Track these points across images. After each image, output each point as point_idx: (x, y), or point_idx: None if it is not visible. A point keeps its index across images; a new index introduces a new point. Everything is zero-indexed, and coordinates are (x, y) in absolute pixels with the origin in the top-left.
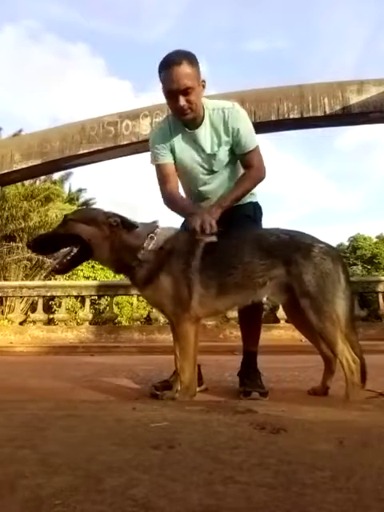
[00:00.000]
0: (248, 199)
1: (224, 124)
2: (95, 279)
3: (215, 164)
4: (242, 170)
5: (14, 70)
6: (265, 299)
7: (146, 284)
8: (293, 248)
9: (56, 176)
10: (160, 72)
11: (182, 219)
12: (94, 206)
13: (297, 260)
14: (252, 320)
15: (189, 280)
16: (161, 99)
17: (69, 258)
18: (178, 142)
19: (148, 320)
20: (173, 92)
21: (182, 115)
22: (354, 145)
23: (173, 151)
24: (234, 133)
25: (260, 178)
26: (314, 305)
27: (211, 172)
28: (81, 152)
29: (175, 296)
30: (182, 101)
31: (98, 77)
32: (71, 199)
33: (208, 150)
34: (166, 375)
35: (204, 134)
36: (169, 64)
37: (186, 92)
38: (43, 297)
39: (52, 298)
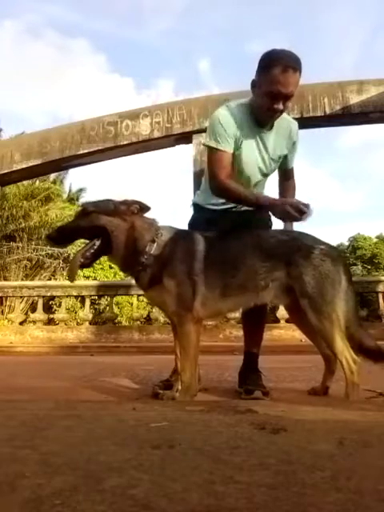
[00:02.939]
0: None
1: (289, 136)
2: (95, 279)
3: (271, 169)
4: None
5: (13, 66)
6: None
7: (150, 286)
8: (293, 249)
9: (54, 175)
10: (273, 66)
11: (179, 219)
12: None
13: (297, 261)
14: (256, 321)
15: (192, 281)
16: (161, 99)
17: (92, 251)
18: (246, 136)
19: (148, 320)
20: (280, 94)
21: (271, 116)
22: (355, 144)
23: (236, 142)
24: (292, 147)
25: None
26: (313, 305)
27: (264, 176)
28: (81, 152)
29: (178, 297)
30: (281, 105)
31: (100, 73)
32: (71, 199)
33: (273, 155)
34: (166, 375)
35: (273, 138)
36: (289, 66)
37: (288, 98)
38: (43, 297)
39: (52, 297)
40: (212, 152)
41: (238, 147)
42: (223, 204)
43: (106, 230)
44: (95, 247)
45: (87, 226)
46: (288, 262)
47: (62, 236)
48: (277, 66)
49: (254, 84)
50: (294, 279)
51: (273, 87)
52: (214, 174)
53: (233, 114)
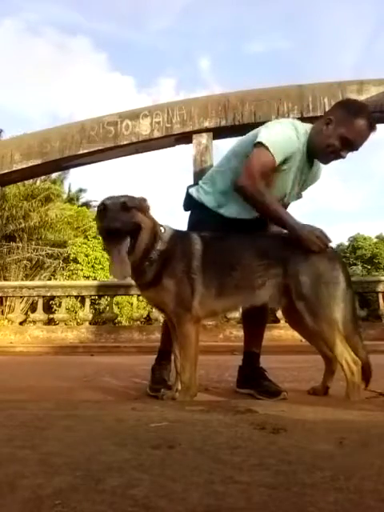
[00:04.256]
0: None
1: (314, 178)
2: (95, 279)
3: (289, 202)
4: None
5: (12, 65)
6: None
7: (150, 285)
8: (291, 249)
9: (54, 175)
10: (363, 117)
11: (178, 219)
12: (95, 205)
13: (294, 261)
14: (257, 321)
15: (191, 280)
16: (162, 99)
17: (127, 249)
18: (294, 164)
19: (148, 320)
20: (352, 145)
21: (330, 158)
22: None
23: (284, 163)
24: (309, 187)
25: None
26: (310, 308)
27: (283, 203)
28: (81, 152)
29: (178, 296)
30: (346, 154)
31: (101, 72)
32: (71, 199)
33: (299, 190)
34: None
35: (308, 176)
36: (375, 125)
37: (353, 151)
38: (43, 297)
39: (52, 297)
40: (262, 150)
41: (280, 169)
42: (238, 214)
43: (139, 226)
44: (129, 245)
45: (129, 222)
46: (285, 262)
47: (119, 230)
48: (366, 119)
49: (329, 121)
50: (290, 279)
51: (353, 135)
52: (251, 170)
53: (298, 138)
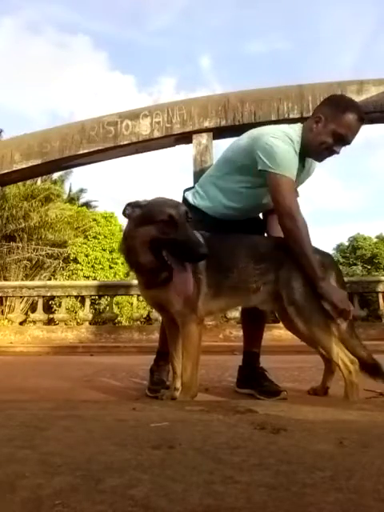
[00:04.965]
0: None
1: (307, 174)
2: (95, 279)
3: None
4: None
5: (12, 64)
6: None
7: (158, 284)
8: (284, 254)
9: (55, 175)
10: (351, 111)
11: None
12: (95, 205)
13: (287, 267)
14: (256, 320)
15: (198, 280)
16: (163, 98)
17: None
18: (296, 165)
19: (148, 320)
20: (344, 140)
21: (324, 155)
22: (355, 144)
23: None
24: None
25: None
26: (301, 312)
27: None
28: (81, 152)
29: (184, 296)
30: (340, 149)
31: (101, 71)
32: (71, 199)
33: (297, 186)
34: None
35: (301, 176)
36: (363, 118)
37: (346, 145)
38: (43, 297)
39: (52, 297)
40: (282, 178)
41: None
42: (233, 218)
43: None
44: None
45: None
46: (278, 267)
47: None
48: (354, 113)
49: (318, 119)
50: (282, 284)
51: (344, 130)
52: (291, 207)
53: (295, 149)
